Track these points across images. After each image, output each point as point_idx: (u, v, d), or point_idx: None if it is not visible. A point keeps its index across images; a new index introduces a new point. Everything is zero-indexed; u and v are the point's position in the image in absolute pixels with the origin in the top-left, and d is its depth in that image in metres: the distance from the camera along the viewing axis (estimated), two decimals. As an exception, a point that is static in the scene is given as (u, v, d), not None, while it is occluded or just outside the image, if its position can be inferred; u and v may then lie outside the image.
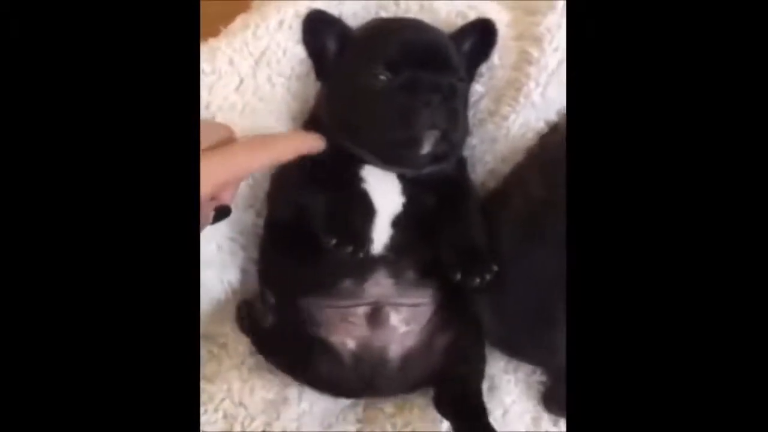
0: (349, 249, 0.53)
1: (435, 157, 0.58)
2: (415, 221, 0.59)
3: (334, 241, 0.53)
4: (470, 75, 0.64)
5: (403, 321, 0.59)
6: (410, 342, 0.59)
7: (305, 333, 0.59)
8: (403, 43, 0.58)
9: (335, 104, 0.60)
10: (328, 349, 0.58)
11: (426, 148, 0.56)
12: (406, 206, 0.59)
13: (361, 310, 0.58)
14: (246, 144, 0.52)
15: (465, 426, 0.56)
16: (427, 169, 0.59)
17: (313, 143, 0.56)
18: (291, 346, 0.60)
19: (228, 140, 0.52)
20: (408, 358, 0.59)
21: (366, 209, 0.58)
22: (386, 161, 0.58)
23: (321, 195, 0.57)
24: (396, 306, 0.58)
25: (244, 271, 0.68)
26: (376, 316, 0.58)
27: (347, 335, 0.58)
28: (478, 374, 0.61)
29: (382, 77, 0.56)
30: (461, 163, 0.64)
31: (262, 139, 0.56)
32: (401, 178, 0.59)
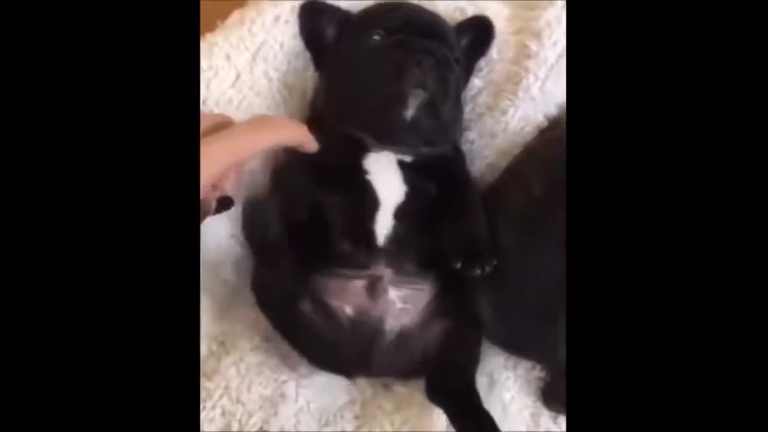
0: (357, 258, 0.54)
1: (423, 134, 0.57)
2: (416, 212, 0.59)
3: (349, 248, 0.54)
4: (468, 70, 0.63)
5: (401, 298, 0.59)
6: (407, 320, 0.59)
7: (306, 294, 0.59)
8: (402, 15, 0.59)
9: (333, 82, 0.60)
10: (327, 311, 0.58)
11: (411, 110, 0.55)
12: (408, 195, 0.59)
13: (360, 283, 0.58)
14: (246, 125, 0.51)
15: (459, 410, 0.56)
16: (424, 150, 0.59)
17: (310, 141, 0.54)
18: (291, 306, 0.59)
19: (227, 125, 0.51)
20: (404, 336, 0.59)
21: (371, 203, 0.58)
22: (376, 133, 0.58)
23: (333, 195, 0.57)
24: (396, 284, 0.58)
25: (242, 269, 0.67)
26: (374, 287, 0.58)
27: (345, 302, 0.58)
28: (474, 364, 0.60)
29: (376, 37, 0.57)
30: (460, 156, 0.64)
31: (263, 119, 0.55)
32: (401, 165, 0.59)
